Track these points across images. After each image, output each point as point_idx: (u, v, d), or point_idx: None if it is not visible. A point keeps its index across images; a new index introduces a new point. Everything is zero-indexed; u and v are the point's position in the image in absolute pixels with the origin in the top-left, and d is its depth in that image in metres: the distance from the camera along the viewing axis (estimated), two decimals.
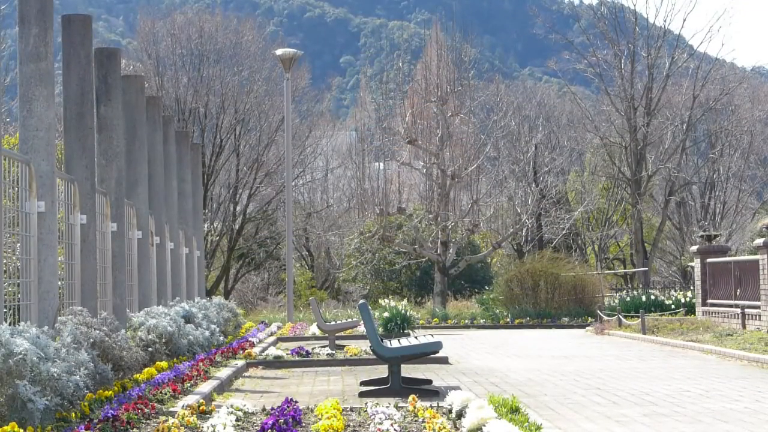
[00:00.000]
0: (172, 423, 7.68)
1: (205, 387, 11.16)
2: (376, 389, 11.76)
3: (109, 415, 7.87)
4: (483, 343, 21.25)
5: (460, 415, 8.35)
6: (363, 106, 40.18)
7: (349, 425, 8.27)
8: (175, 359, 13.03)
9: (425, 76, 34.74)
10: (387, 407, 9.00)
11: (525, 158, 40.68)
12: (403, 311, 23.43)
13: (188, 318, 14.95)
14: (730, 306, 22.17)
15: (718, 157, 42.08)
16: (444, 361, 15.98)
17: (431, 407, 8.95)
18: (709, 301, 23.82)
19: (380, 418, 8.36)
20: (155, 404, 9.10)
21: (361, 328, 20.18)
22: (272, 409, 8.91)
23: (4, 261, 9.70)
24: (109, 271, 13.47)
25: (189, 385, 11.06)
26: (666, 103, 38.26)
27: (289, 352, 16.50)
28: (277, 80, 38.30)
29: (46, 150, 10.21)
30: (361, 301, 12.41)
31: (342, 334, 20.81)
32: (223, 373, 12.94)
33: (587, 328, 25.49)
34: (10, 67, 28.87)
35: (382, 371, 13.32)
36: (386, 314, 23.35)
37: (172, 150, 19.31)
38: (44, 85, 10.19)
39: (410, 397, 9.36)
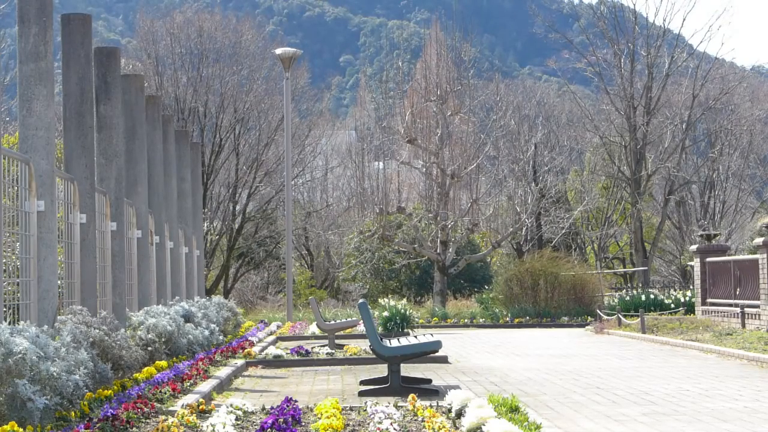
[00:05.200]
0: (172, 422, 7.67)
1: (205, 386, 11.16)
2: (376, 388, 11.76)
3: (109, 414, 7.87)
4: (482, 343, 21.25)
5: (460, 414, 8.35)
6: (362, 106, 40.15)
7: (348, 424, 8.27)
8: (174, 358, 13.03)
9: (425, 75, 34.72)
10: (386, 406, 9.00)
11: (524, 157, 40.68)
12: (402, 310, 23.43)
13: (188, 317, 14.95)
14: (730, 305, 22.18)
15: (717, 156, 42.08)
16: (443, 360, 15.97)
17: (431, 406, 8.95)
18: (709, 300, 23.82)
19: (380, 418, 8.36)
20: (155, 403, 9.09)
21: (361, 328, 20.18)
22: (272, 408, 8.91)
23: (4, 260, 9.70)
24: (109, 271, 13.47)
25: (188, 384, 11.05)
26: (665, 102, 38.28)
27: (289, 351, 16.49)
28: (277, 79, 38.29)
29: (46, 149, 10.21)
30: (361, 301, 12.40)
31: (341, 333, 20.80)
32: (223, 372, 12.94)
33: (587, 327, 25.49)
34: (10, 66, 28.88)
35: (381, 370, 13.32)
36: (386, 313, 23.36)
37: (172, 149, 19.31)
38: (44, 84, 10.19)
39: (410, 397, 9.36)
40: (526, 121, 43.52)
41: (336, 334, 19.36)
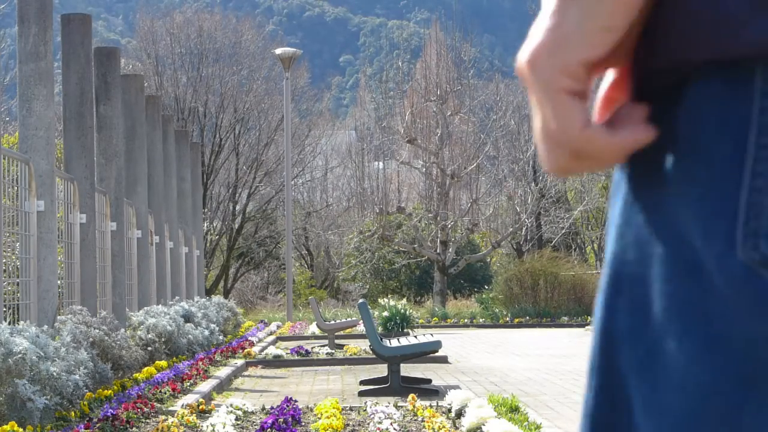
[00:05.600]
0: (172, 422, 7.68)
1: (205, 386, 11.16)
2: (376, 388, 11.76)
3: (109, 414, 7.87)
4: (482, 343, 21.25)
5: (460, 414, 8.35)
6: (362, 106, 40.16)
7: (348, 424, 8.27)
8: (174, 358, 13.03)
9: (425, 75, 34.73)
10: (386, 406, 9.00)
11: (524, 157, 40.67)
12: (402, 310, 23.42)
13: (188, 317, 14.96)
14: None
15: None
16: (443, 360, 15.97)
17: (431, 406, 8.95)
18: None
19: (380, 417, 8.36)
20: (155, 403, 9.10)
21: (361, 328, 20.17)
22: (272, 408, 8.91)
23: (4, 260, 9.70)
24: (109, 271, 13.47)
25: (188, 384, 11.05)
26: None
27: (289, 351, 16.49)
28: (277, 79, 38.31)
29: (46, 149, 10.22)
30: (361, 300, 12.40)
31: (341, 333, 20.81)
32: (223, 372, 12.94)
33: (587, 327, 25.50)
34: (10, 66, 28.86)
35: (381, 370, 13.31)
36: (386, 313, 23.35)
37: (172, 149, 19.32)
38: (44, 84, 10.20)
39: (410, 396, 9.36)
40: (526, 121, 43.45)
41: (336, 334, 19.36)
